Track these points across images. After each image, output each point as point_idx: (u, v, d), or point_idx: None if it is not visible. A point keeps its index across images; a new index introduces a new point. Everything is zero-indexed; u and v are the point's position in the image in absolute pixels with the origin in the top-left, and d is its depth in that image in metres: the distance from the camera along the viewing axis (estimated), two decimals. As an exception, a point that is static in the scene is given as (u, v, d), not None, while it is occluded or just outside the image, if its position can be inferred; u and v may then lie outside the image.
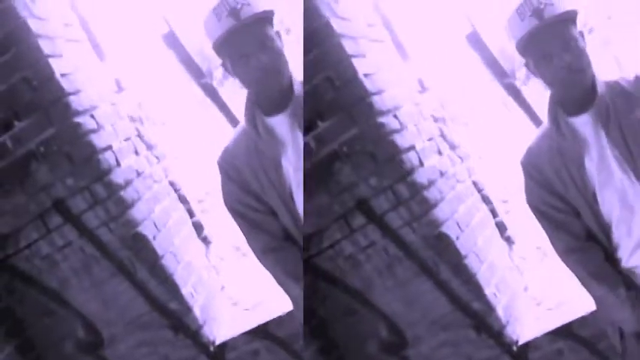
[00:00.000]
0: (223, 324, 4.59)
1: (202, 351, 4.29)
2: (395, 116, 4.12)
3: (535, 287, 4.78)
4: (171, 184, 4.72)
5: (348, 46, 3.99)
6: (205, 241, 4.87)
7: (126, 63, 4.87)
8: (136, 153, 4.38)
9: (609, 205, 2.98)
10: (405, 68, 4.72)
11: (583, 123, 2.97)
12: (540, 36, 2.84)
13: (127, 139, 4.34)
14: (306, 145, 4.02)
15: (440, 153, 4.50)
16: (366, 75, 4.00)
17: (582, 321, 4.15)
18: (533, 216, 3.20)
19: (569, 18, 2.87)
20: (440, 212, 4.13)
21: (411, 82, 4.69)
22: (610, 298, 3.04)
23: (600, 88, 2.94)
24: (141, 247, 4.11)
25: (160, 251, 4.19)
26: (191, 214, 4.83)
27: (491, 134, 5.36)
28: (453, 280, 4.14)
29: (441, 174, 4.35)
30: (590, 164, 2.96)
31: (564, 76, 2.85)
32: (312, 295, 4.22)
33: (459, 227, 4.25)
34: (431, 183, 4.16)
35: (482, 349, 4.25)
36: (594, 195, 2.98)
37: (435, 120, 4.70)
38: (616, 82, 2.98)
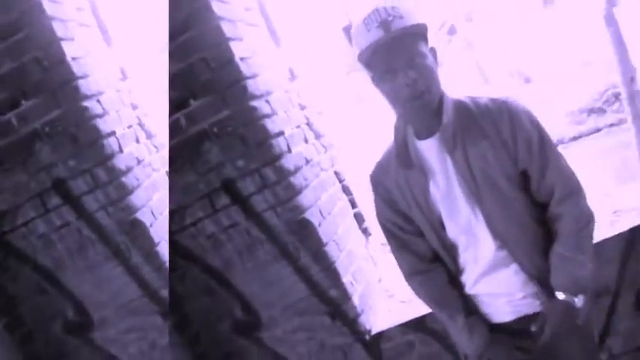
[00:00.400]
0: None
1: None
2: (267, 101, 4.27)
3: (388, 279, 4.93)
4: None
5: (227, 29, 4.12)
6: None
7: (130, 51, 4.96)
8: (137, 141, 4.44)
9: (455, 232, 2.94)
10: (277, 55, 4.83)
11: (429, 147, 2.89)
12: (385, 49, 2.73)
13: (129, 127, 4.41)
14: (175, 122, 4.09)
15: (306, 141, 4.68)
16: (242, 58, 4.15)
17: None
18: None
19: (418, 32, 2.77)
20: (304, 199, 4.27)
21: (282, 69, 4.85)
22: (449, 323, 3.08)
23: (448, 111, 2.85)
24: (138, 234, 4.17)
25: (155, 239, 4.25)
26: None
27: (355, 126, 5.51)
28: (313, 266, 4.27)
29: (307, 161, 4.53)
30: (435, 190, 2.90)
31: (408, 94, 2.75)
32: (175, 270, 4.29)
33: (322, 214, 4.42)
34: (297, 169, 4.32)
35: (335, 336, 4.38)
36: (440, 220, 2.94)
37: (302, 108, 4.83)
38: (464, 105, 2.88)
